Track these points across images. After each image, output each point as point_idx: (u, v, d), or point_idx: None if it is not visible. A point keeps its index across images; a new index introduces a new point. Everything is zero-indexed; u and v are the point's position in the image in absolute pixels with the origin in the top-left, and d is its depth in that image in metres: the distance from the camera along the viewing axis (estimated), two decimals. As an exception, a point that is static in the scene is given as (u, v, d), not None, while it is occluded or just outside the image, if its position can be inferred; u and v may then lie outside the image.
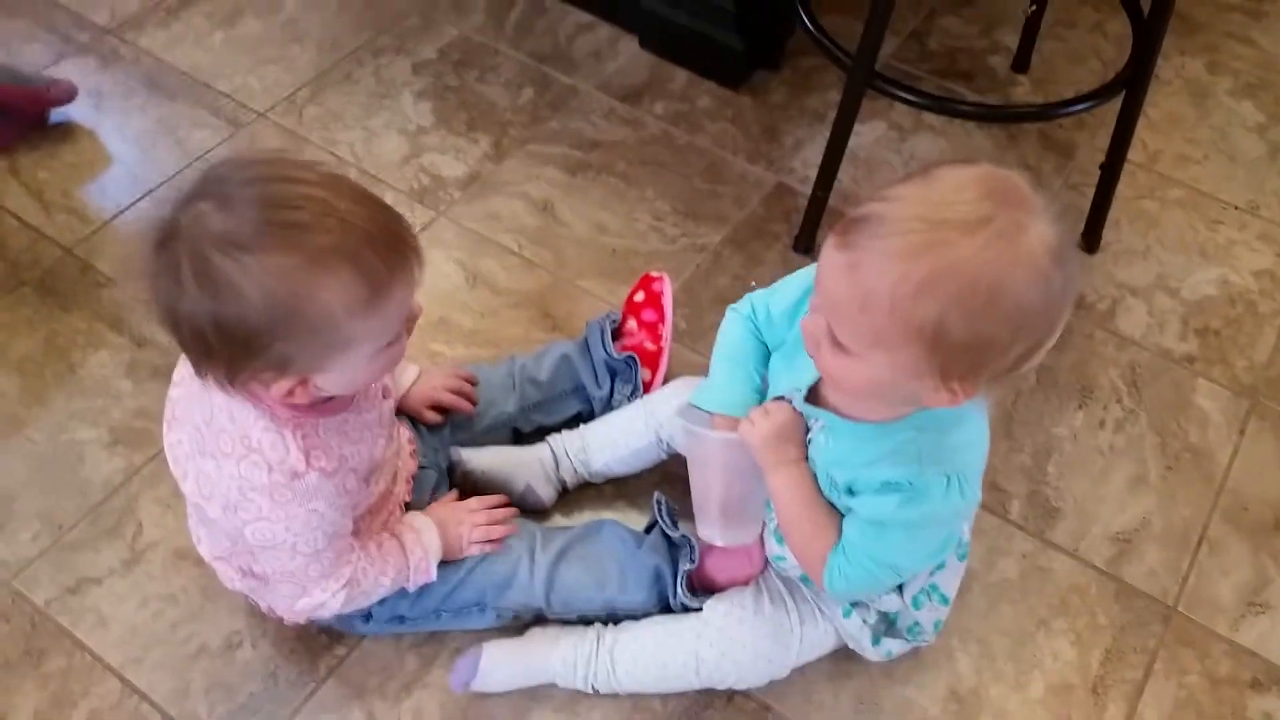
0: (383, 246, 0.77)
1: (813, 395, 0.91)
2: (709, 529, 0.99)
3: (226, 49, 1.69)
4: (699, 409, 0.98)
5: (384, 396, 0.97)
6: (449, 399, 1.14)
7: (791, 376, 0.92)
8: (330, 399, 0.87)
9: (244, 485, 0.85)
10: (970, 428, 0.87)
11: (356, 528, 0.97)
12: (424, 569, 1.01)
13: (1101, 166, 1.42)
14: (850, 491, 0.88)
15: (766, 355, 1.00)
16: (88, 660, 1.08)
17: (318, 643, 1.09)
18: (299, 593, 0.94)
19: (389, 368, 0.87)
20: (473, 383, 1.16)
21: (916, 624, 1.02)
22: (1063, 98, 1.50)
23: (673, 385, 1.16)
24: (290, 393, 0.81)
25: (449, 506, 1.07)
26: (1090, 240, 1.48)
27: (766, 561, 1.05)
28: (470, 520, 1.06)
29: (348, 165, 1.54)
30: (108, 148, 1.55)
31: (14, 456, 1.22)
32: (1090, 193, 1.45)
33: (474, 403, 1.16)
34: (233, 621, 1.11)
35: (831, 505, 0.91)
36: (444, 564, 1.03)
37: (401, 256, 0.79)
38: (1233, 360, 1.38)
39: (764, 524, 1.02)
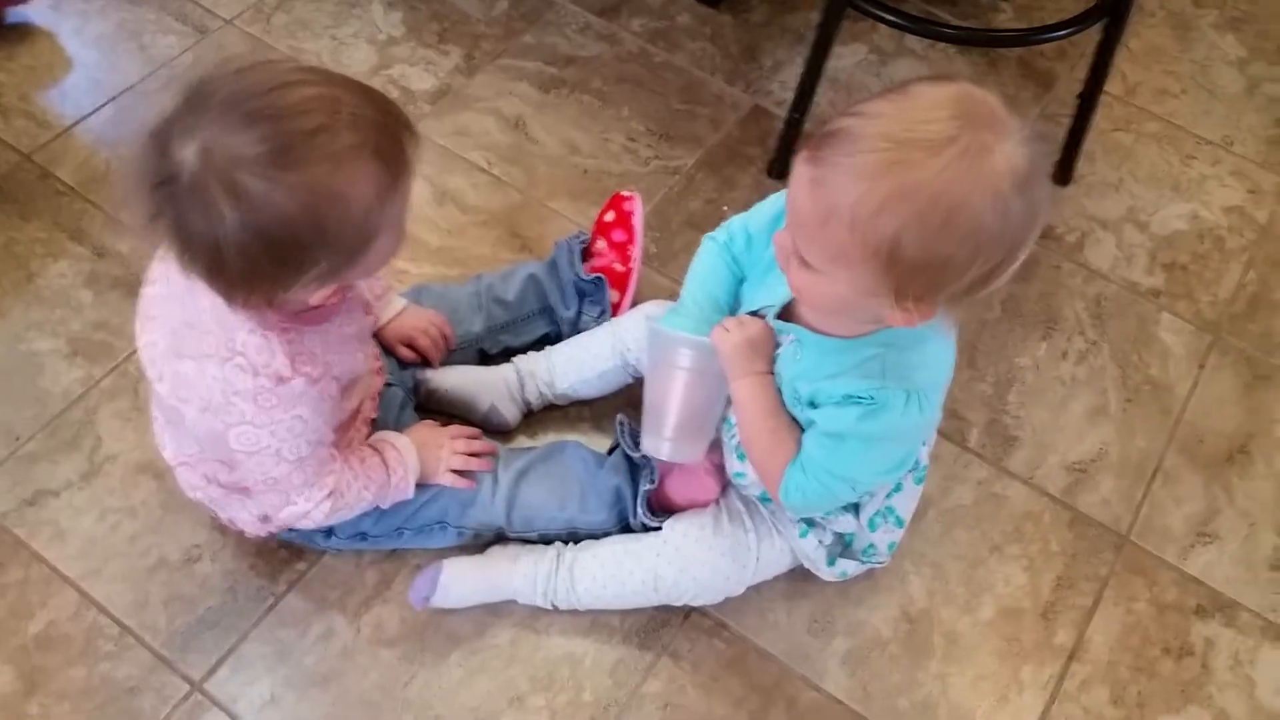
0: (392, 131, 0.77)
1: (785, 313, 0.91)
2: (657, 439, 1.00)
3: (190, -49, 1.63)
4: (666, 330, 0.98)
5: (365, 312, 0.96)
6: (425, 344, 1.13)
7: (765, 293, 0.92)
8: (315, 308, 0.86)
9: (227, 389, 0.84)
10: (935, 347, 0.87)
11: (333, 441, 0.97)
12: (403, 487, 1.02)
13: (1079, 96, 1.40)
14: (812, 404, 0.89)
15: (738, 285, 1.00)
16: (45, 572, 1.08)
17: (278, 557, 1.10)
18: (283, 501, 0.94)
19: (399, 248, 0.85)
20: (448, 336, 1.16)
21: (871, 545, 1.04)
22: (1045, 24, 1.47)
23: (641, 309, 1.16)
24: (328, 296, 0.82)
25: (430, 429, 1.07)
26: (1064, 172, 1.47)
27: (725, 486, 1.06)
28: (450, 447, 1.06)
29: (314, 76, 1.50)
30: (67, 51, 1.51)
31: (-29, 366, 1.21)
32: (1067, 124, 1.44)
33: (450, 351, 1.15)
34: (193, 535, 1.11)
35: (794, 420, 0.92)
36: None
37: (406, 137, 0.79)
38: (1198, 295, 1.39)
39: (722, 441, 1.03)
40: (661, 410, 0.99)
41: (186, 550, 1.10)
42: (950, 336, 0.90)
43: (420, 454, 1.03)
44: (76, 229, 1.32)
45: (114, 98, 1.45)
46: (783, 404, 0.92)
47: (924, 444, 1.01)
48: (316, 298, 0.82)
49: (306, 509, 0.94)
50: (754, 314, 0.93)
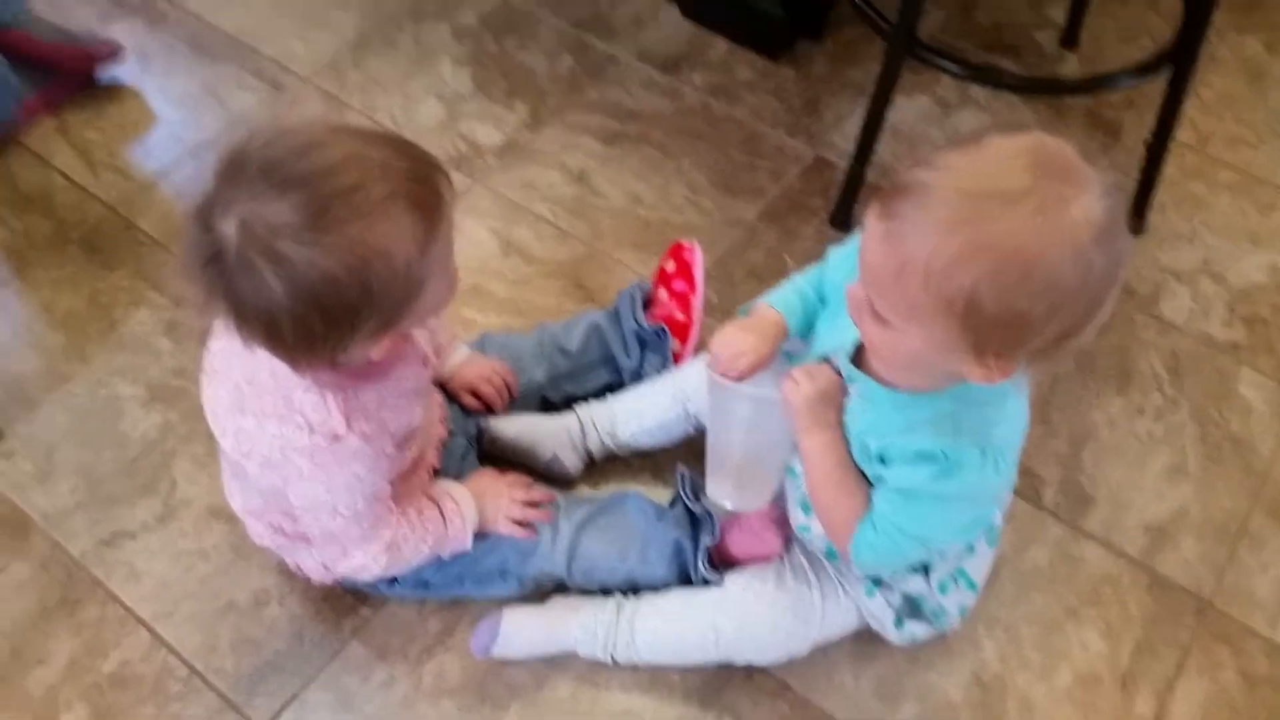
0: (423, 178, 0.78)
1: (856, 357, 0.90)
2: (720, 488, 0.99)
3: (271, 12, 1.70)
4: (725, 382, 0.97)
5: (424, 365, 0.97)
6: (488, 391, 1.14)
7: (835, 335, 0.91)
8: (371, 365, 0.87)
9: (285, 446, 0.86)
10: (1010, 405, 0.86)
11: (392, 494, 0.98)
12: (460, 539, 1.02)
13: (1147, 144, 1.38)
14: (883, 460, 0.87)
15: (818, 302, 1.00)
16: (120, 612, 1.11)
17: (343, 603, 1.11)
18: (340, 554, 0.95)
19: (453, 293, 0.86)
20: (510, 384, 1.17)
21: (942, 609, 1.01)
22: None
23: (702, 357, 1.15)
24: (392, 345, 0.83)
25: (490, 479, 1.08)
26: (1135, 222, 1.44)
27: (788, 542, 1.04)
28: (509, 496, 1.06)
29: (385, 129, 1.54)
30: (153, 108, 1.57)
31: (56, 410, 1.25)
32: (1136, 174, 1.42)
33: (513, 398, 1.16)
34: (262, 579, 1.12)
35: (862, 474, 0.90)
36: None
37: (438, 181, 0.80)
38: (1279, 350, 1.35)
39: (785, 494, 1.01)
40: (722, 458, 0.98)
41: (255, 594, 1.12)
42: (1024, 395, 0.88)
43: (479, 504, 1.03)
44: (157, 278, 1.37)
45: (194, 152, 1.51)
46: (851, 457, 0.91)
47: (998, 504, 0.99)
48: (376, 352, 0.82)
49: (363, 562, 0.95)
50: (824, 359, 0.92)
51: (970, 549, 0.98)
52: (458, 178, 1.48)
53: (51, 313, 1.33)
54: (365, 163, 0.75)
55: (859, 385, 0.89)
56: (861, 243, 0.76)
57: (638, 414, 1.15)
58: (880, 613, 1.01)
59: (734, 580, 1.03)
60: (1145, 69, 1.30)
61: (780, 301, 0.99)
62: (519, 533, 1.05)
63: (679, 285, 1.23)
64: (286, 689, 1.06)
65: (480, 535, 1.04)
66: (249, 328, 0.77)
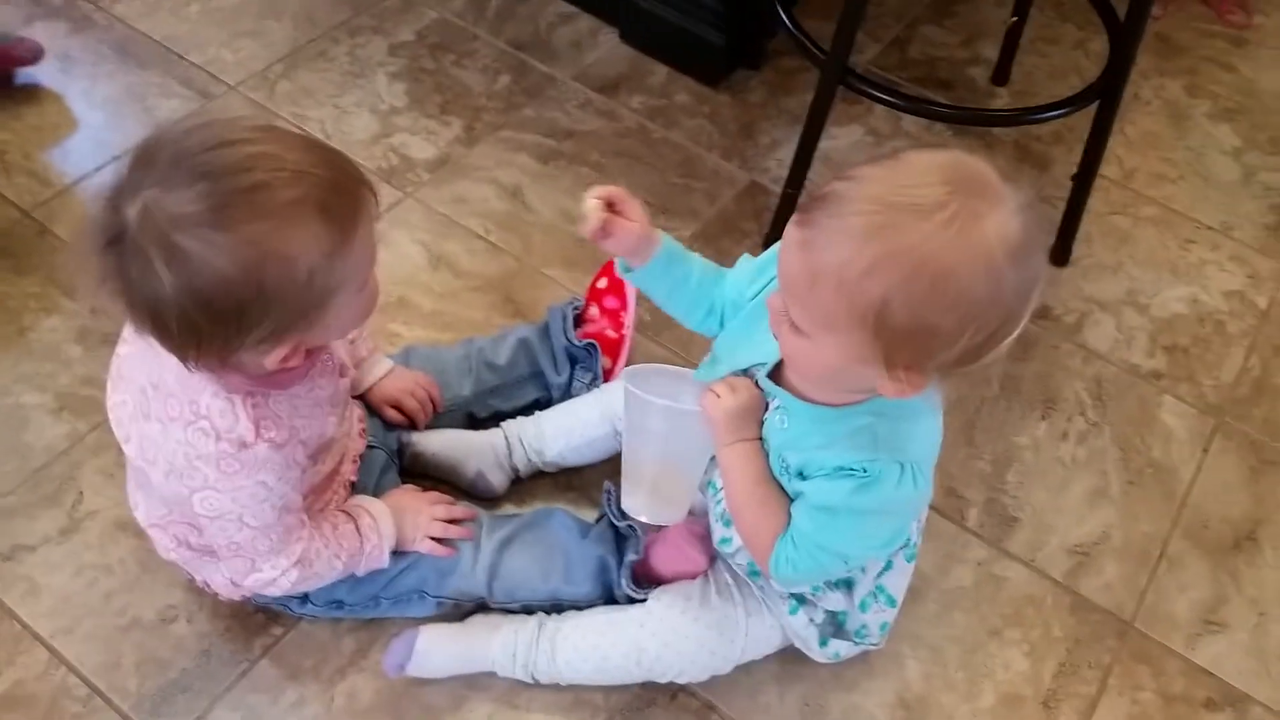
0: (341, 188, 0.76)
1: (774, 374, 0.89)
2: (636, 501, 0.97)
3: (202, 20, 1.67)
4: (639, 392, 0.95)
5: (340, 374, 0.94)
6: (411, 405, 1.12)
7: (753, 350, 0.90)
8: (283, 371, 0.84)
9: (190, 453, 0.82)
10: (926, 421, 0.86)
11: (305, 506, 0.95)
12: (377, 556, 0.99)
13: (1073, 177, 1.41)
14: (802, 475, 0.86)
15: (709, 295, 0.98)
16: (16, 629, 1.05)
17: (254, 621, 1.07)
18: (248, 568, 0.91)
19: (369, 311, 0.84)
20: (435, 398, 1.14)
21: (864, 626, 1.00)
22: (1039, 107, 1.49)
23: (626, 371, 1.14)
24: (287, 357, 0.79)
25: (409, 495, 1.05)
26: (1061, 253, 1.47)
27: (713, 559, 1.03)
28: (429, 513, 1.03)
29: (317, 142, 1.51)
30: (73, 112, 1.53)
31: (-45, 418, 1.19)
32: (1063, 206, 1.45)
33: (437, 413, 1.14)
34: (169, 595, 1.08)
35: (782, 489, 0.89)
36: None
37: (360, 194, 0.77)
38: (1200, 379, 1.37)
39: (706, 509, 1.00)
40: (637, 470, 0.97)
41: (162, 610, 1.07)
42: (939, 410, 0.88)
43: (397, 520, 1.00)
44: (70, 285, 1.32)
45: (116, 157, 1.46)
46: (771, 471, 0.90)
47: (916, 520, 0.99)
48: (271, 360, 0.79)
49: (273, 576, 0.91)
50: (743, 372, 0.92)
51: (889, 565, 0.97)
52: (388, 190, 1.46)
53: (-45, 318, 1.28)
54: (278, 164, 0.72)
55: (778, 400, 0.88)
56: (780, 252, 0.76)
57: (566, 431, 1.13)
58: (804, 631, 1.00)
59: (658, 598, 1.01)
60: (1071, 102, 1.33)
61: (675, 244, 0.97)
62: (439, 551, 1.02)
63: (610, 302, 1.22)
64: (192, 709, 1.01)
65: (398, 553, 1.01)
66: (138, 317, 0.74)
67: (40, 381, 1.23)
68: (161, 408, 0.83)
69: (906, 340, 0.72)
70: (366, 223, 0.78)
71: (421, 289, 1.36)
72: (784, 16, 1.37)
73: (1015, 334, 0.74)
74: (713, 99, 1.65)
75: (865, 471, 0.82)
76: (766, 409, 0.90)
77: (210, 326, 0.74)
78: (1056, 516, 1.23)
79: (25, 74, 1.53)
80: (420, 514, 1.02)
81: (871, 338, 0.72)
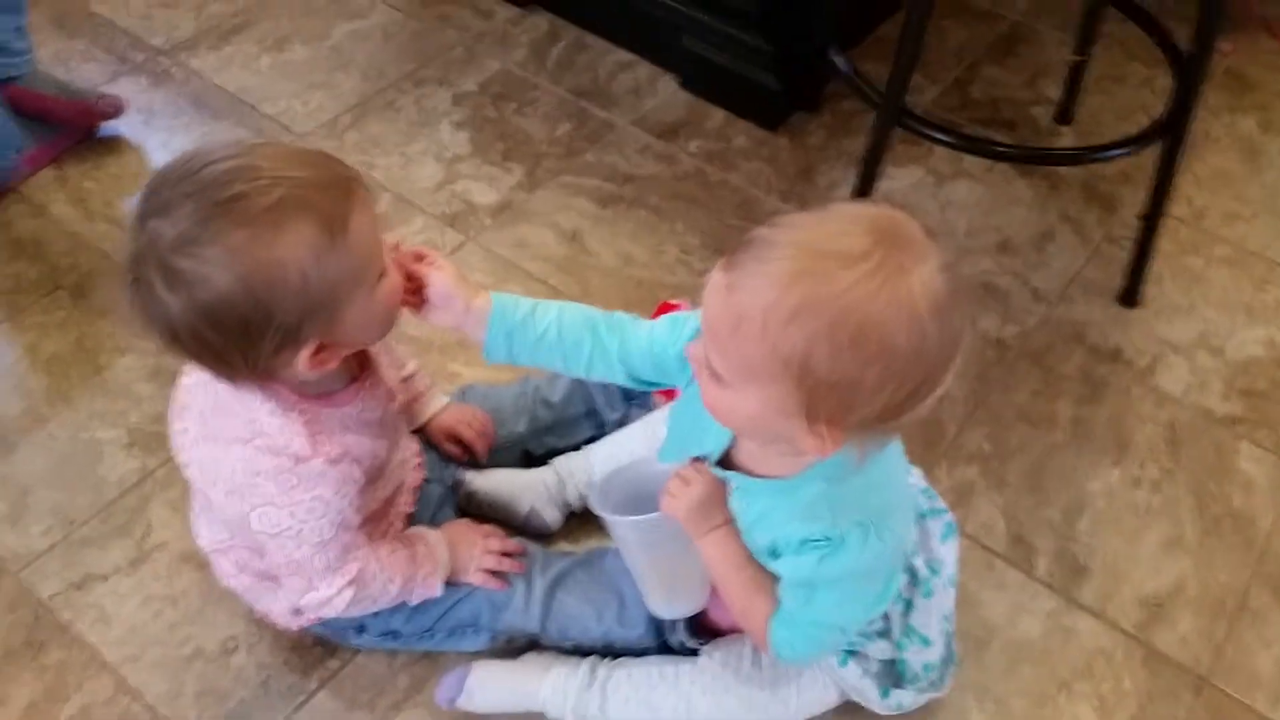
0: (325, 185, 0.77)
1: (726, 459, 0.87)
2: (655, 603, 0.97)
3: (273, 74, 1.73)
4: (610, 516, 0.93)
5: (389, 398, 0.96)
6: (468, 435, 1.13)
7: (700, 437, 0.88)
8: (333, 392, 0.87)
9: (249, 469, 0.84)
10: (880, 469, 0.83)
11: (362, 532, 0.96)
12: (430, 583, 1.00)
13: (1141, 217, 1.38)
14: (774, 553, 0.85)
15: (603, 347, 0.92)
16: (85, 655, 1.07)
17: (312, 654, 1.08)
18: (305, 586, 0.92)
19: (395, 306, 0.84)
20: (489, 432, 1.15)
21: (912, 670, 0.97)
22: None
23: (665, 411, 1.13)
24: (319, 359, 0.81)
25: (465, 527, 1.06)
26: (1130, 294, 1.44)
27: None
28: (483, 546, 1.04)
29: (382, 189, 1.55)
30: (152, 161, 1.59)
31: (35, 452, 1.24)
32: (1131, 247, 1.41)
33: (491, 448, 1.15)
34: (230, 626, 1.09)
35: (763, 570, 0.88)
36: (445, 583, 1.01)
37: (347, 189, 0.78)
38: (1279, 424, 1.32)
39: None
40: (641, 579, 0.96)
41: (223, 641, 1.09)
42: (892, 453, 0.86)
43: (451, 551, 1.01)
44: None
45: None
46: (749, 552, 0.88)
47: (901, 568, 0.94)
48: (300, 363, 0.80)
49: (328, 595, 0.92)
50: (695, 461, 0.89)
51: (909, 606, 0.94)
52: (451, 235, 1.49)
53: (36, 356, 1.33)
54: (254, 174, 0.74)
55: (734, 483, 0.86)
56: (704, 296, 0.74)
57: (613, 462, 1.12)
58: (859, 683, 0.97)
59: (709, 654, 0.99)
60: (1137, 140, 1.31)
61: (511, 299, 0.91)
62: (491, 583, 1.02)
63: (666, 341, 1.22)
64: (247, 743, 1.02)
65: (452, 585, 1.01)
66: (161, 340, 0.77)
67: (113, 418, 1.27)
68: (222, 428, 0.86)
69: (828, 392, 0.70)
70: (359, 216, 0.78)
71: (481, 330, 1.37)
72: (839, 60, 1.37)
73: (938, 393, 0.72)
74: (771, 142, 1.65)
75: (828, 540, 0.80)
76: (728, 492, 0.87)
77: (221, 340, 0.76)
78: (1129, 566, 1.19)
79: (108, 127, 1.60)
80: (474, 545, 1.03)
81: (794, 388, 0.70)
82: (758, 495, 0.84)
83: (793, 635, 0.86)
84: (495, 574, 1.03)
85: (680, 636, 1.01)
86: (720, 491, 0.86)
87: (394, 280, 0.84)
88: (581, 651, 1.03)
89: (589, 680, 1.00)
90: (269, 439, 0.84)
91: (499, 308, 0.89)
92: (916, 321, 0.68)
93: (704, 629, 1.02)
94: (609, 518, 0.91)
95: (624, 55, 1.79)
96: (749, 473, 0.84)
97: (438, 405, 1.12)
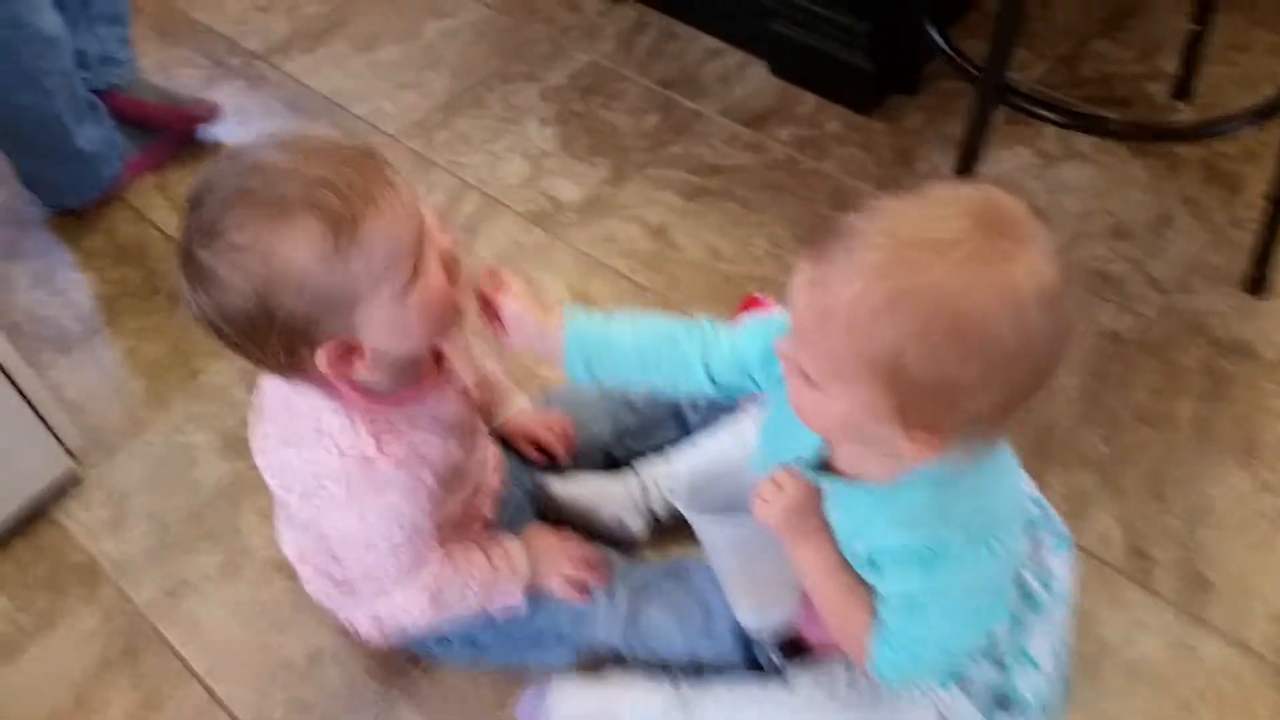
0: (344, 185, 0.74)
1: (823, 462, 0.82)
2: (743, 612, 0.93)
3: (365, 74, 1.74)
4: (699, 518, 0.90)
5: (463, 396, 0.95)
6: (548, 438, 1.11)
7: (791, 441, 0.83)
8: (402, 391, 0.85)
9: (319, 471, 0.84)
10: (987, 472, 0.76)
11: (439, 537, 0.95)
12: (509, 591, 0.98)
13: (1268, 197, 1.27)
14: (874, 564, 0.79)
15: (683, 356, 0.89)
16: (177, 665, 1.09)
17: (397, 667, 1.07)
18: (380, 594, 0.92)
19: (435, 313, 0.81)
20: (569, 435, 1.12)
21: (1021, 696, 0.91)
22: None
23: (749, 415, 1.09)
24: (347, 361, 0.79)
25: (543, 533, 1.04)
26: (1256, 281, 1.33)
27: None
28: (565, 556, 1.02)
29: (470, 187, 1.55)
30: (246, 166, 1.61)
31: (133, 457, 1.27)
32: (1257, 229, 1.31)
33: (571, 452, 1.12)
34: (318, 637, 1.10)
35: (860, 578, 0.82)
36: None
37: (363, 188, 0.75)
38: None
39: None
40: (732, 586, 0.93)
41: (310, 653, 1.09)
42: (1004, 459, 0.79)
43: (531, 558, 0.99)
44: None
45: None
46: (847, 561, 0.82)
47: (1011, 584, 0.87)
48: (323, 365, 0.78)
49: (404, 604, 0.91)
50: (787, 465, 0.83)
51: (1016, 622, 0.88)
52: (538, 233, 1.47)
53: (135, 360, 1.36)
54: (270, 169, 0.73)
55: (831, 489, 0.81)
56: (791, 291, 0.69)
57: (700, 467, 1.09)
58: (963, 710, 0.91)
59: (799, 676, 0.95)
60: (1263, 113, 1.21)
61: (585, 318, 0.88)
62: (571, 593, 1.00)
63: (753, 341, 1.18)
64: (334, 752, 1.03)
65: (534, 597, 0.99)
66: (208, 333, 0.79)
67: (208, 422, 1.29)
68: (294, 431, 0.86)
69: (924, 394, 0.64)
70: (380, 220, 0.74)
71: (566, 330, 1.35)
72: (935, 35, 1.30)
73: (1047, 388, 0.66)
74: (866, 127, 1.59)
75: (932, 551, 0.74)
76: (823, 496, 0.82)
77: (235, 334, 0.76)
78: (1259, 579, 1.10)
79: (206, 131, 1.63)
80: (554, 551, 1.01)
81: (885, 389, 0.65)
82: (856, 501, 0.79)
83: (895, 654, 0.80)
84: (577, 584, 1.01)
85: (769, 654, 0.97)
86: (815, 497, 0.82)
87: (435, 286, 0.80)
88: (666, 669, 1.00)
89: (674, 701, 0.96)
90: (334, 440, 0.83)
91: (573, 329, 0.87)
92: (1021, 313, 0.62)
93: (794, 646, 0.98)
94: (697, 521, 0.88)
95: (712, 42, 1.74)
96: (846, 477, 0.79)
97: (517, 407, 1.11)
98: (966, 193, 0.66)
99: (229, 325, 0.76)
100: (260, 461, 0.92)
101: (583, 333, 0.87)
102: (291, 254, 0.73)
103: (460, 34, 1.80)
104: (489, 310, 0.86)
